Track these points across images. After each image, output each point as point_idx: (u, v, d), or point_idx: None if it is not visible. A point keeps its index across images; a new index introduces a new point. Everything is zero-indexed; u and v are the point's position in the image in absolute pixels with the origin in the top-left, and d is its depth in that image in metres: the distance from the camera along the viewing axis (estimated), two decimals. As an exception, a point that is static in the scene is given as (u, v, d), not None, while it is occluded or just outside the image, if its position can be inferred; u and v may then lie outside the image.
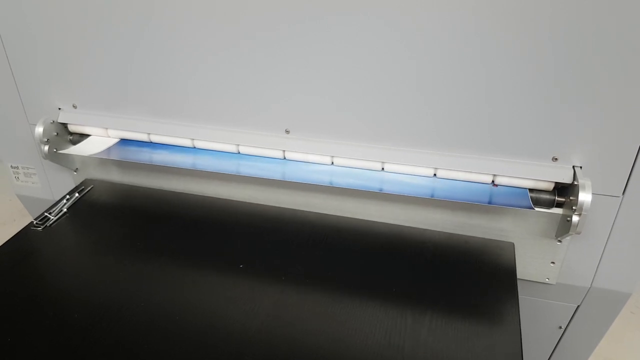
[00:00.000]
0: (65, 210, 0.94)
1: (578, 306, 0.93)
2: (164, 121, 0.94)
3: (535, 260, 0.87)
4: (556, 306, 0.94)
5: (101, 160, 1.02)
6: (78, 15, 0.87)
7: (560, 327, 0.98)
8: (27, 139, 1.05)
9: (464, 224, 0.88)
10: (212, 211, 0.94)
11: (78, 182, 1.04)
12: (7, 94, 1.00)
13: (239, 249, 0.84)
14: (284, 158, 0.91)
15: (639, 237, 0.81)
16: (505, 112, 0.77)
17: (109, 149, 0.97)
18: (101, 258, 0.82)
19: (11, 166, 1.12)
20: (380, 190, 0.83)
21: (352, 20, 0.75)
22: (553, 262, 0.87)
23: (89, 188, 1.01)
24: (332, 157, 0.88)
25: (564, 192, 0.80)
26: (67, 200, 0.96)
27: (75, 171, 1.06)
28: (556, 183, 0.80)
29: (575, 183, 0.76)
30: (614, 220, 0.81)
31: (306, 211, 0.94)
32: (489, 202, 0.80)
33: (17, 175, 1.13)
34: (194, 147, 0.95)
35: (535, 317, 0.97)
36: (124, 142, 0.99)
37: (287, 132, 0.88)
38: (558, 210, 0.81)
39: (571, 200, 0.77)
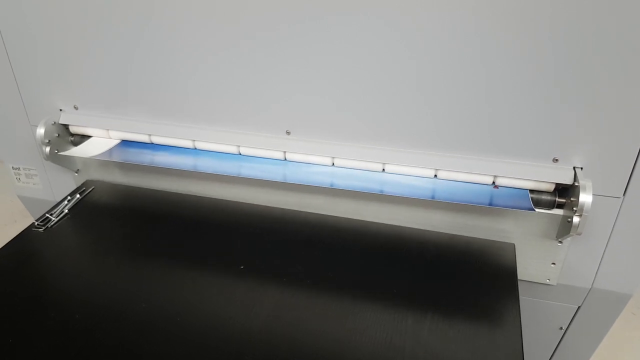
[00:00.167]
0: (66, 211, 0.94)
1: (579, 307, 0.93)
2: (165, 122, 0.94)
3: (536, 261, 0.87)
4: (557, 307, 0.94)
5: (102, 162, 1.02)
6: (79, 16, 0.87)
7: (561, 328, 0.97)
8: (28, 140, 1.06)
9: (464, 224, 0.88)
10: (213, 212, 0.94)
11: (79, 183, 1.05)
12: (8, 95, 1.00)
13: (240, 250, 0.84)
14: (285, 159, 0.91)
15: (639, 238, 0.81)
16: (505, 112, 0.77)
17: (110, 151, 0.97)
18: (102, 259, 0.82)
19: (12, 167, 1.12)
20: (381, 192, 0.83)
21: (352, 20, 0.75)
22: (554, 263, 0.87)
23: (90, 189, 1.01)
24: (333, 158, 0.88)
25: (565, 193, 0.80)
26: (69, 201, 0.96)
27: (76, 172, 1.06)
28: (557, 184, 0.80)
29: (576, 184, 0.76)
30: (615, 221, 0.81)
31: (307, 212, 0.94)
32: (490, 204, 0.80)
33: (18, 177, 1.13)
34: (195, 149, 0.95)
35: (536, 318, 0.97)
36: (125, 143, 0.99)
37: (288, 133, 0.89)
38: (559, 211, 0.81)
39: (572, 201, 0.77)
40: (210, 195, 0.99)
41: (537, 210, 0.80)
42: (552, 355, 1.03)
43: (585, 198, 0.73)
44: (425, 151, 0.84)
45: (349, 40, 0.77)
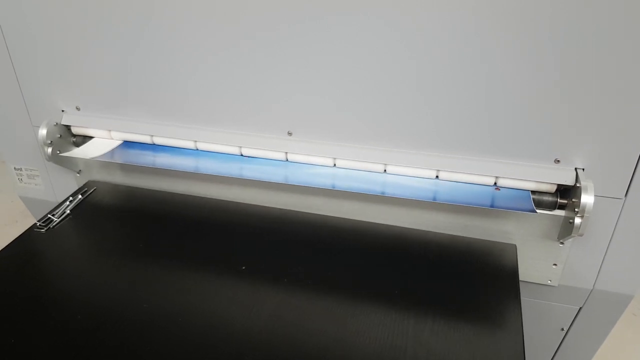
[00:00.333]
0: (68, 212, 0.94)
1: (580, 308, 0.93)
2: (166, 123, 0.95)
3: (538, 262, 0.87)
4: (558, 308, 0.94)
5: (104, 162, 1.02)
6: (80, 17, 0.87)
7: (563, 329, 0.97)
8: (30, 141, 1.06)
9: (466, 225, 0.88)
10: (215, 213, 0.94)
11: (81, 184, 1.05)
12: (10, 96, 1.00)
13: (241, 251, 0.84)
14: (287, 160, 0.91)
15: (641, 238, 0.81)
16: (506, 113, 0.76)
17: (112, 152, 0.97)
18: (104, 260, 0.82)
19: (14, 168, 1.13)
20: (383, 194, 0.83)
21: (352, 20, 0.75)
22: (555, 264, 0.87)
23: (92, 190, 1.02)
24: (334, 159, 0.88)
25: (566, 194, 0.80)
26: (70, 202, 0.97)
27: (78, 173, 1.06)
28: (558, 185, 0.80)
29: (578, 185, 0.76)
30: (617, 222, 0.80)
31: (308, 213, 0.94)
32: (492, 205, 0.80)
33: (20, 177, 1.13)
34: (197, 150, 0.96)
35: (538, 319, 0.97)
36: (126, 144, 0.99)
37: (290, 134, 0.89)
38: (560, 212, 0.81)
39: (573, 202, 0.77)
40: (212, 195, 0.99)
41: (538, 211, 0.80)
42: (553, 356, 1.03)
43: (586, 199, 0.73)
44: (427, 152, 0.84)
45: (349, 40, 0.77)
